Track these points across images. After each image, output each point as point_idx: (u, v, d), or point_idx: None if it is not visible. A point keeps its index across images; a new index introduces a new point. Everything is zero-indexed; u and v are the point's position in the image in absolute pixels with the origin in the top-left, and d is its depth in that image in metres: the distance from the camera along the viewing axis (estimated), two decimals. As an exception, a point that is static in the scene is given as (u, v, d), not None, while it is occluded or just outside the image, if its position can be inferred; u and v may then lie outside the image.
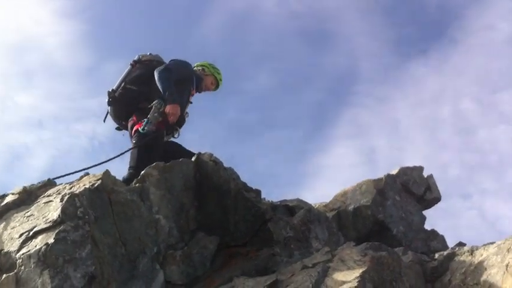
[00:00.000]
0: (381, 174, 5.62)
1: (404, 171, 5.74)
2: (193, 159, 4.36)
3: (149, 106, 5.02)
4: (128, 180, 4.50)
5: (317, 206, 5.40)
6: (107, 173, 3.86)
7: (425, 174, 5.91)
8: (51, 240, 3.31)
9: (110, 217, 3.68)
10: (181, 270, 3.91)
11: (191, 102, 5.42)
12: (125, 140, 5.28)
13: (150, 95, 5.14)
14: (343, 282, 3.10)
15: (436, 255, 4.14)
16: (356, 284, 3.01)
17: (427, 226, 5.66)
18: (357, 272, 3.15)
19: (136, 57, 5.51)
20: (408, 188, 5.62)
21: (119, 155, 4.96)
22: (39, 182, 4.24)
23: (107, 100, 5.39)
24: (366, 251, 3.47)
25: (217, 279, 3.87)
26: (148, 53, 5.58)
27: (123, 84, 5.35)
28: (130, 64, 5.48)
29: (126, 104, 5.31)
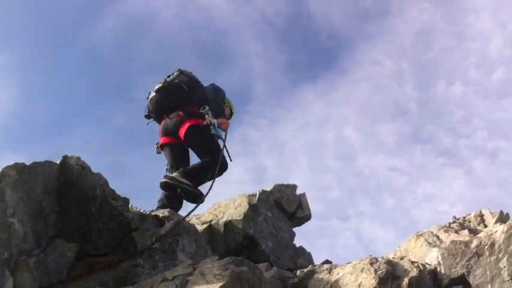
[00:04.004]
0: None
1: (278, 188, 5.85)
2: (58, 161, 4.12)
3: (200, 111, 5.85)
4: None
5: (190, 218, 5.33)
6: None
7: (298, 192, 6.07)
8: None
9: (-42, 217, 3.37)
10: (34, 277, 3.65)
11: None
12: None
13: (197, 101, 5.95)
14: (199, 297, 3.05)
15: (298, 272, 4.22)
16: (211, 299, 2.97)
17: (306, 243, 5.81)
18: (215, 287, 3.12)
19: (181, 68, 6.28)
20: (281, 204, 5.72)
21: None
22: None
23: (159, 87, 6.07)
24: (227, 265, 3.45)
25: (72, 290, 3.68)
26: (189, 71, 6.38)
27: (176, 81, 6.07)
28: (178, 71, 6.23)
29: (175, 97, 5.99)
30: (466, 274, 3.86)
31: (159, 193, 5.82)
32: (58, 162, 4.13)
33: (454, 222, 4.92)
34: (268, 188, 5.78)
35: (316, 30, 26.29)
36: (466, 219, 5.06)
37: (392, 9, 27.56)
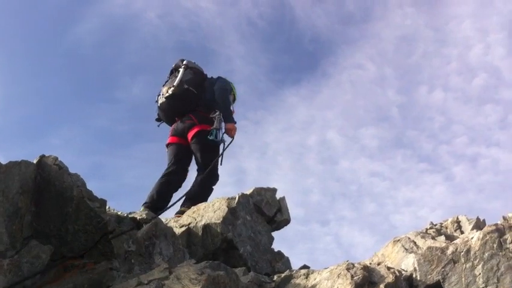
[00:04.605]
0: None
1: (258, 191, 5.83)
2: (35, 161, 4.07)
3: (211, 116, 6.10)
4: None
5: (168, 221, 5.30)
6: None
7: (278, 196, 6.06)
8: None
9: None
10: (8, 279, 3.59)
11: None
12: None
13: (207, 102, 6.21)
14: (175, 301, 3.02)
15: (275, 277, 4.22)
16: (186, 304, 2.95)
17: (286, 247, 5.80)
18: (190, 291, 3.10)
19: (185, 62, 6.45)
20: (260, 208, 5.71)
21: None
22: None
23: (169, 94, 6.16)
24: (204, 269, 3.43)
25: (46, 292, 3.63)
26: (193, 61, 6.57)
27: (185, 86, 6.17)
28: (183, 67, 6.34)
29: (186, 102, 6.18)
30: (441, 281, 3.89)
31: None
32: (35, 161, 4.08)
33: (431, 228, 4.96)
34: (248, 192, 5.77)
35: (300, 33, 26.47)
36: (443, 225, 5.10)
37: (376, 13, 27.85)
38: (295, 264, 5.66)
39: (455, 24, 28.19)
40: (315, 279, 3.87)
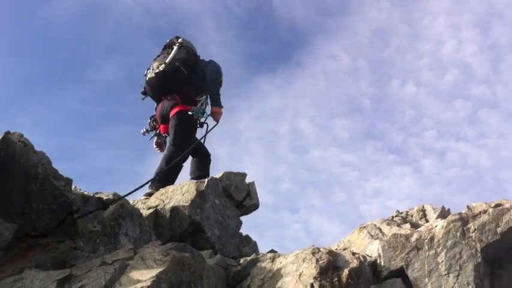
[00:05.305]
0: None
1: (227, 176, 5.82)
2: (-1, 137, 3.97)
3: (197, 99, 6.19)
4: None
5: (135, 202, 5.25)
6: None
7: (247, 180, 6.06)
8: None
9: None
10: (-30, 257, 3.53)
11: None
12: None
13: (195, 84, 6.21)
14: (138, 281, 2.99)
15: (241, 260, 4.23)
16: (149, 284, 2.92)
17: (256, 234, 5.84)
18: (154, 272, 3.07)
19: (180, 39, 6.41)
20: (229, 192, 5.70)
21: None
22: None
23: (159, 70, 6.11)
24: (169, 251, 3.41)
25: (7, 270, 3.55)
26: (188, 40, 6.53)
27: (176, 64, 6.14)
28: (178, 45, 6.32)
29: (174, 81, 6.15)
30: (405, 267, 3.95)
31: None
32: (-1, 138, 3.98)
33: (397, 216, 5.03)
34: (217, 175, 5.75)
35: (277, 22, 26.41)
36: (408, 213, 5.18)
37: (353, 6, 27.95)
38: (264, 250, 5.69)
39: (429, 20, 28.55)
40: (281, 262, 3.89)
